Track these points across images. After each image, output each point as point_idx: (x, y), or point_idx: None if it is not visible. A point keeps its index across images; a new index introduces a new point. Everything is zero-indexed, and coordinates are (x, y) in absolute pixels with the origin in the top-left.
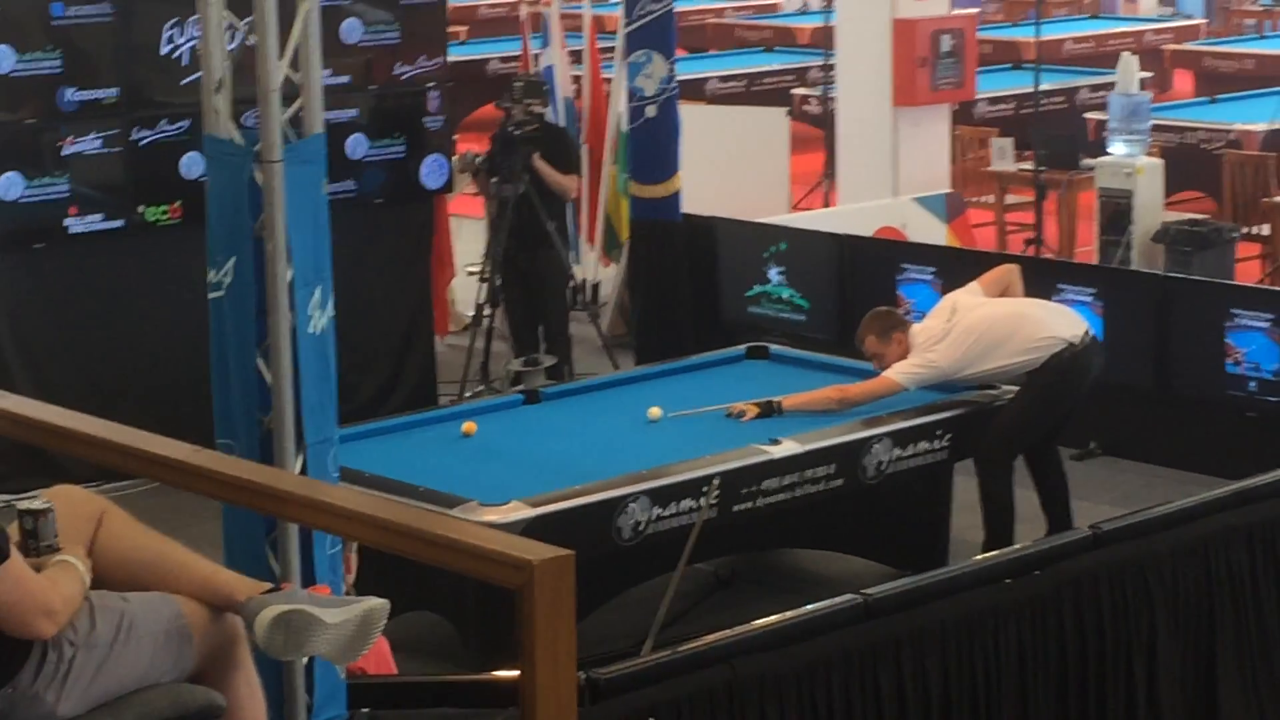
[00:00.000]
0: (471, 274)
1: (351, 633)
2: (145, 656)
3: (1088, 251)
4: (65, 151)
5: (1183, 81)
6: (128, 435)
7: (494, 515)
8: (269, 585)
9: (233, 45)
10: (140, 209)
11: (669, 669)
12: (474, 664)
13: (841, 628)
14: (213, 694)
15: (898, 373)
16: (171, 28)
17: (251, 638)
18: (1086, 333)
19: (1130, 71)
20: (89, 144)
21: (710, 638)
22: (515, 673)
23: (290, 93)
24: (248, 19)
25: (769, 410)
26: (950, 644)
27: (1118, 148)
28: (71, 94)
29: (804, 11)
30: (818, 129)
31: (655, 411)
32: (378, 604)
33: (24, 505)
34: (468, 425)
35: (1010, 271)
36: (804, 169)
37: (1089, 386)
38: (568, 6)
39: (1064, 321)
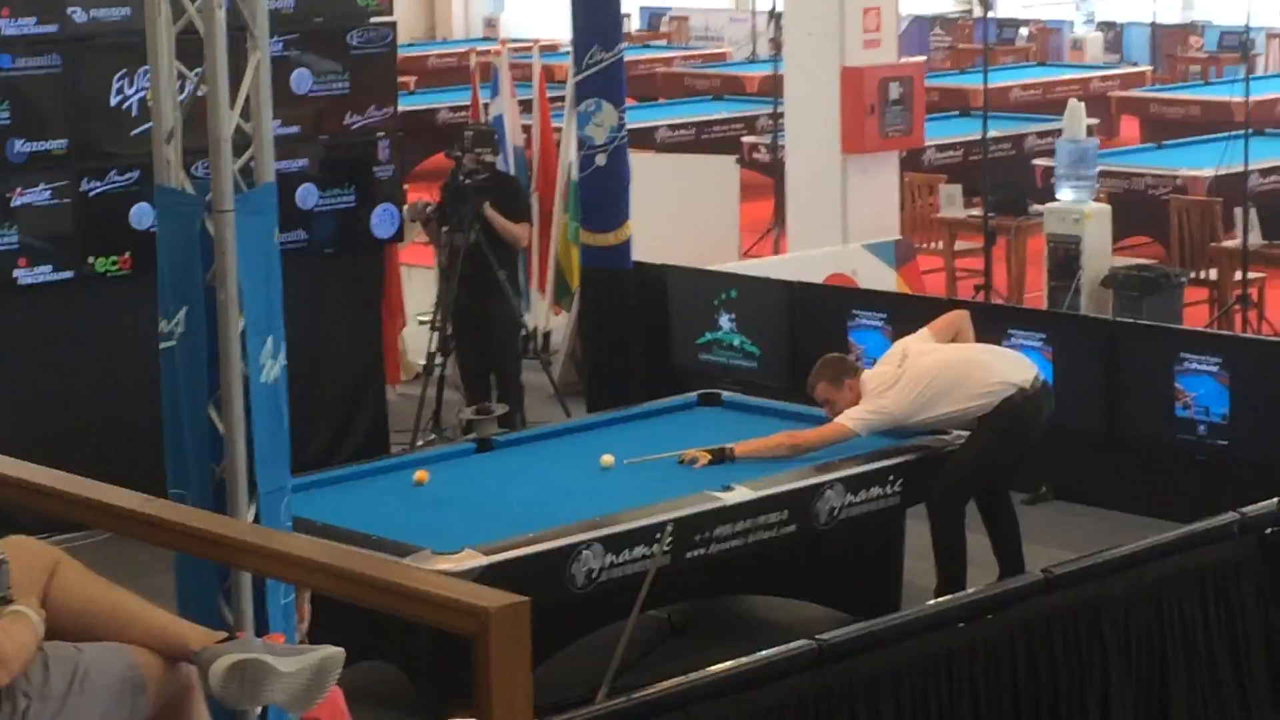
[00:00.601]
0: (423, 323)
1: (307, 681)
2: (99, 707)
3: (1037, 297)
4: (14, 203)
5: (1129, 128)
6: (79, 485)
7: (447, 564)
8: (223, 634)
9: (183, 96)
10: (90, 260)
11: (624, 716)
12: (427, 713)
13: (796, 673)
14: None
15: (849, 419)
16: (120, 79)
17: (206, 687)
18: (1037, 377)
19: (1077, 118)
20: (38, 195)
21: (665, 685)
22: None
23: (241, 142)
24: (197, 70)
25: (721, 456)
26: (905, 688)
27: (1065, 194)
28: (20, 145)
29: (752, 60)
30: (767, 176)
31: (608, 459)
32: (333, 652)
33: None
34: (420, 474)
35: (960, 317)
36: (754, 216)
37: (1039, 431)
38: (516, 56)
39: (1014, 367)
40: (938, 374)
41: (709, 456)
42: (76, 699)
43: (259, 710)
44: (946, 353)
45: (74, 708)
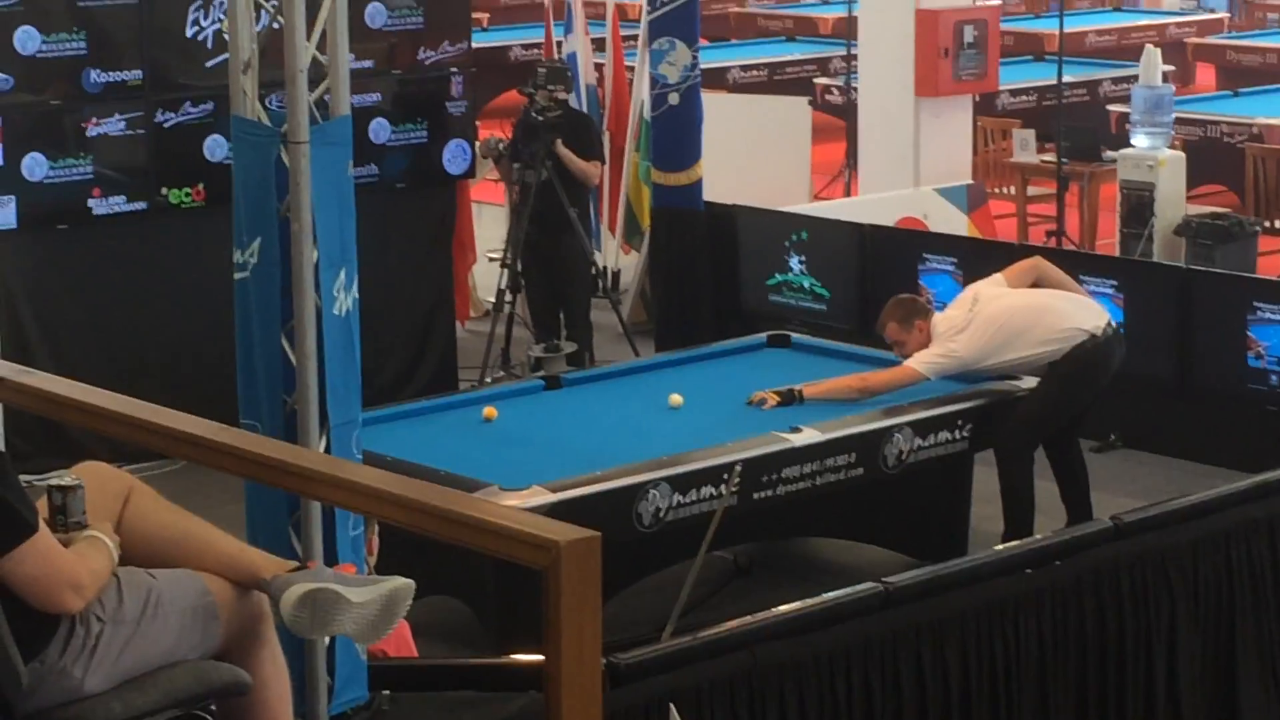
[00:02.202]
0: (493, 260)
1: (377, 612)
2: (172, 633)
3: (1109, 244)
4: (89, 133)
5: (1205, 75)
6: (155, 413)
7: (514, 500)
8: (295, 564)
9: (259, 28)
10: (164, 191)
11: (689, 655)
12: (491, 649)
13: (862, 616)
14: (238, 671)
15: (919, 362)
16: (196, 10)
17: (277, 616)
18: (1109, 324)
19: (1153, 64)
20: (113, 125)
21: (731, 624)
22: (534, 656)
23: (316, 75)
24: (273, 1)
25: (790, 398)
26: (970, 633)
27: (1140, 140)
28: (96, 75)
29: (826, 1)
30: (839, 119)
31: (677, 399)
32: (403, 584)
33: (53, 481)
34: (488, 410)
35: (1037, 265)
36: (825, 159)
37: (1109, 378)
38: None
39: (1086, 313)
40: (1008, 319)
41: (777, 398)
42: (149, 624)
43: (325, 643)
44: (1018, 298)
45: (147, 633)
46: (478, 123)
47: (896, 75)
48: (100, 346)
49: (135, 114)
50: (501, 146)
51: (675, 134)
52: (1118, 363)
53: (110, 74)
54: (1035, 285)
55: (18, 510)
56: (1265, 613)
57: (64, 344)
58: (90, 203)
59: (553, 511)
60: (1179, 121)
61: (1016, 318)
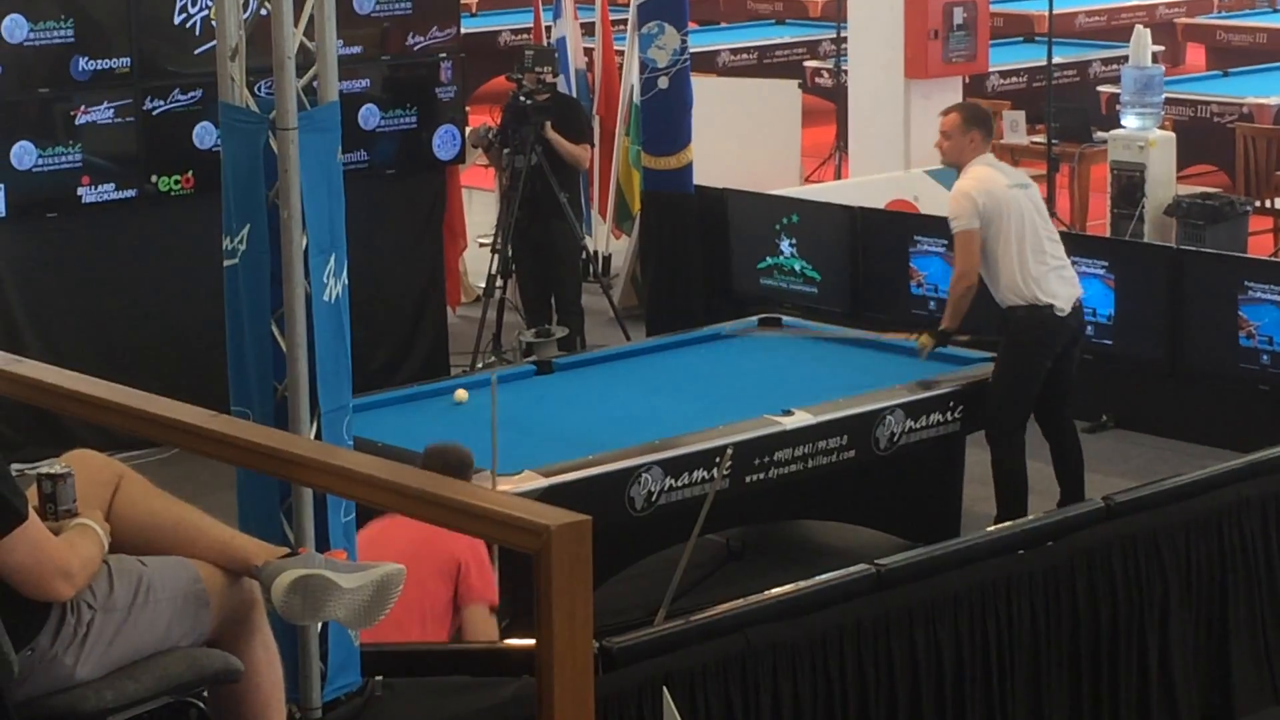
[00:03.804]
0: (483, 245)
1: (368, 598)
2: (163, 620)
3: (1100, 224)
4: (78, 121)
5: (1195, 55)
6: (145, 400)
7: (507, 485)
8: (286, 550)
9: (246, 14)
10: (153, 179)
11: (682, 638)
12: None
13: (855, 598)
14: (230, 658)
15: (956, 221)
16: None
17: (268, 602)
18: (1078, 299)
19: (1143, 45)
20: (101, 113)
21: (724, 607)
22: (527, 641)
23: (304, 62)
24: None
25: (942, 339)
26: (963, 614)
27: (1130, 121)
28: (84, 63)
29: None
30: (829, 102)
31: (462, 394)
32: (395, 569)
33: (43, 469)
34: (460, 393)
35: None
36: (815, 142)
37: (1073, 351)
38: None
39: (1071, 288)
40: (1030, 226)
41: (931, 340)
42: (140, 612)
43: (318, 629)
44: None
45: (138, 620)
46: (467, 108)
47: (886, 58)
48: (90, 335)
49: (124, 102)
50: (491, 135)
51: (665, 118)
52: (1079, 339)
53: (98, 62)
54: None
55: (7, 498)
56: (1257, 592)
57: (54, 332)
58: (79, 191)
59: (545, 496)
60: (1169, 102)
61: (1030, 233)
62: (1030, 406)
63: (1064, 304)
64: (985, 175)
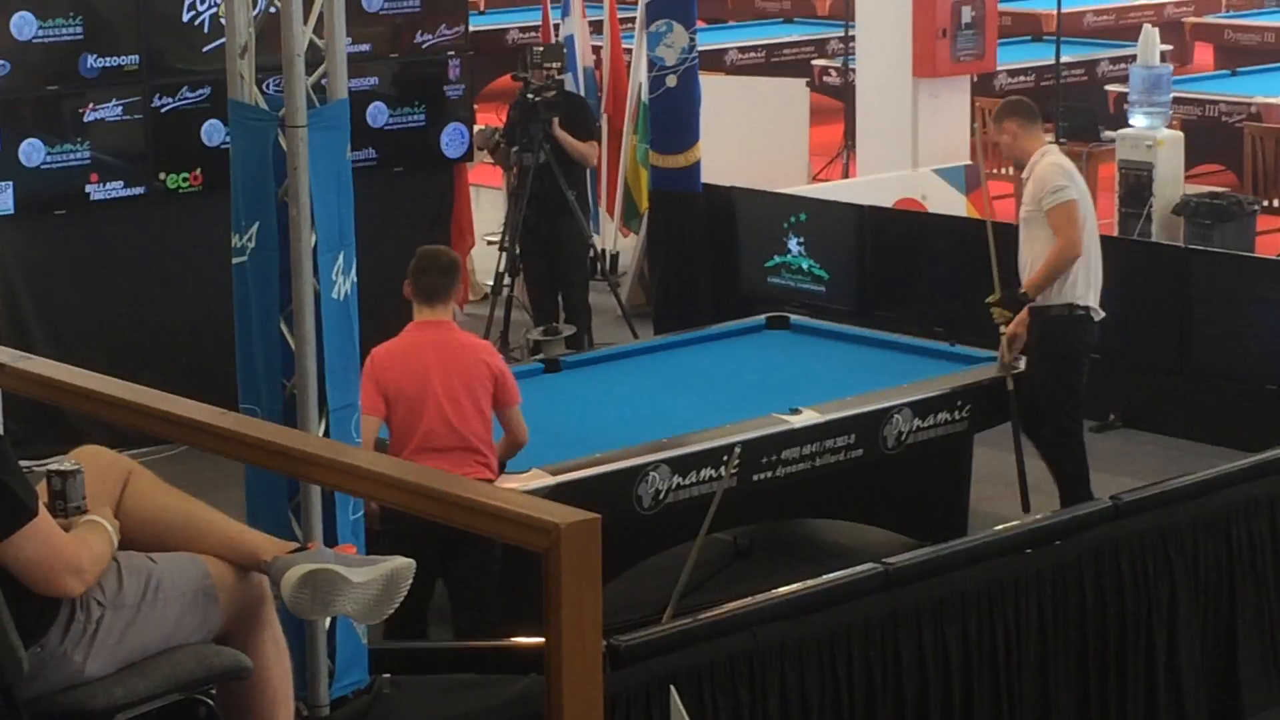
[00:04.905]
0: (491, 243)
1: (378, 592)
2: (172, 616)
3: (1108, 224)
4: (86, 118)
5: (1203, 54)
6: (154, 398)
7: (515, 483)
8: (295, 545)
9: (256, 12)
10: (161, 176)
11: (690, 637)
12: (495, 632)
13: (862, 597)
14: (240, 655)
15: (1059, 194)
16: None
17: (277, 597)
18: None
19: (1151, 44)
20: (110, 111)
21: (731, 606)
22: (535, 639)
23: (313, 59)
24: None
25: (1014, 303)
26: (971, 613)
27: (1138, 120)
28: (93, 61)
29: None
30: (837, 100)
31: None
32: (404, 563)
33: (53, 466)
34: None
35: None
36: (824, 140)
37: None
38: None
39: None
40: (1094, 224)
41: (1008, 314)
42: (150, 608)
43: (326, 626)
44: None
45: (147, 616)
46: (475, 106)
47: (894, 56)
48: (99, 332)
49: (132, 99)
50: (497, 135)
51: (673, 116)
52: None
53: (107, 59)
54: None
55: (18, 494)
56: (1265, 592)
57: (63, 330)
58: (88, 188)
59: (553, 494)
60: (1177, 101)
61: (1091, 238)
62: (1084, 402)
63: (1098, 310)
64: (1066, 161)
